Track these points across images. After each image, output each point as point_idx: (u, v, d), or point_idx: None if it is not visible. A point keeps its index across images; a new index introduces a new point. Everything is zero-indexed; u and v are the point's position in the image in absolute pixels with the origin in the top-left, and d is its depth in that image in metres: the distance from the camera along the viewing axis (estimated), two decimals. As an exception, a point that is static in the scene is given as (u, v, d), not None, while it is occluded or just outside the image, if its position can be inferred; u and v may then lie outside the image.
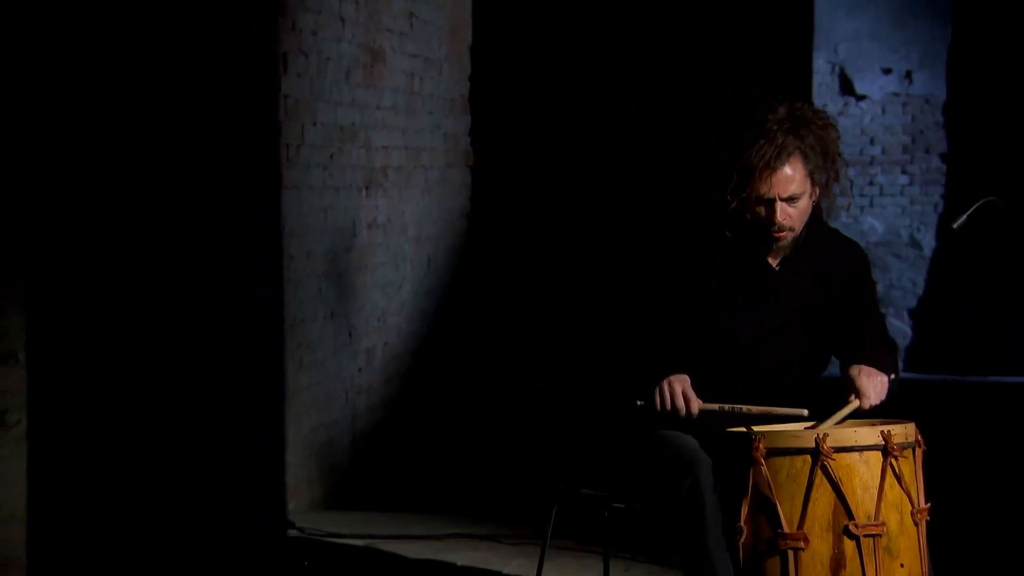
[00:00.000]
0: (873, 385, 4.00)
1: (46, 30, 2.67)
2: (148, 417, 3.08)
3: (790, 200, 3.99)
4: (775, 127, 3.97)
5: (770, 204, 3.98)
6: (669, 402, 3.95)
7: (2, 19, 4.72)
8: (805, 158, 3.99)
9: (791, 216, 4.01)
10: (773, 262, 4.11)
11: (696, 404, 3.95)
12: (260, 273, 2.66)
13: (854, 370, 4.02)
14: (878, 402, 4.01)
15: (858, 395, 4.00)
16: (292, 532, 6.00)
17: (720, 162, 3.97)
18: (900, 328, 11.99)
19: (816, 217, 4.11)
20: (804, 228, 4.08)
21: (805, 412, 3.97)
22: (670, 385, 3.96)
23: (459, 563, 5.55)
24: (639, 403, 4.00)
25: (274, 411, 2.76)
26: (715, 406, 3.97)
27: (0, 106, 5.17)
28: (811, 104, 4.11)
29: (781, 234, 4.02)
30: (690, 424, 3.99)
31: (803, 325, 4.11)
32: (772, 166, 3.95)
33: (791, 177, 3.98)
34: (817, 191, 4.05)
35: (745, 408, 3.96)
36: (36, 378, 2.73)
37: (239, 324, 2.80)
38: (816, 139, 4.01)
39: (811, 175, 4.01)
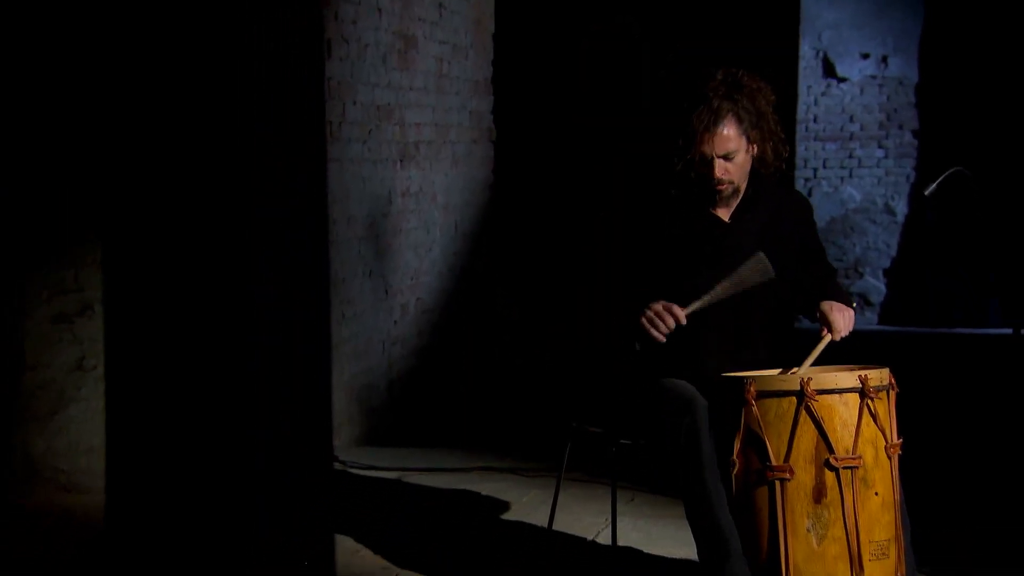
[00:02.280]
0: (844, 319, 4.06)
1: (111, 16, 2.67)
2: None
3: (726, 157, 4.04)
4: (711, 93, 4.03)
5: (710, 162, 4.03)
6: (659, 323, 3.95)
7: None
8: (739, 119, 4.04)
9: (729, 171, 4.06)
10: (724, 216, 4.14)
11: (680, 311, 3.95)
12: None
13: (825, 306, 4.07)
14: (847, 333, 4.06)
15: (830, 329, 4.03)
16: (336, 466, 6.05)
17: (680, 128, 4.04)
18: (875, 285, 11.98)
19: (758, 171, 4.16)
20: (748, 182, 4.14)
21: (762, 254, 3.98)
22: (651, 309, 3.96)
23: (482, 492, 5.56)
24: (637, 347, 4.01)
25: (321, 361, 2.76)
26: (696, 305, 3.98)
27: (77, 85, 5.19)
28: (749, 71, 4.14)
29: (721, 187, 4.07)
30: (688, 373, 4.01)
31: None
32: (710, 129, 4.01)
33: (727, 136, 4.03)
34: (754, 147, 4.10)
35: (720, 289, 3.97)
36: (111, 328, 2.75)
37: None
38: (749, 101, 4.07)
39: (746, 134, 4.06)
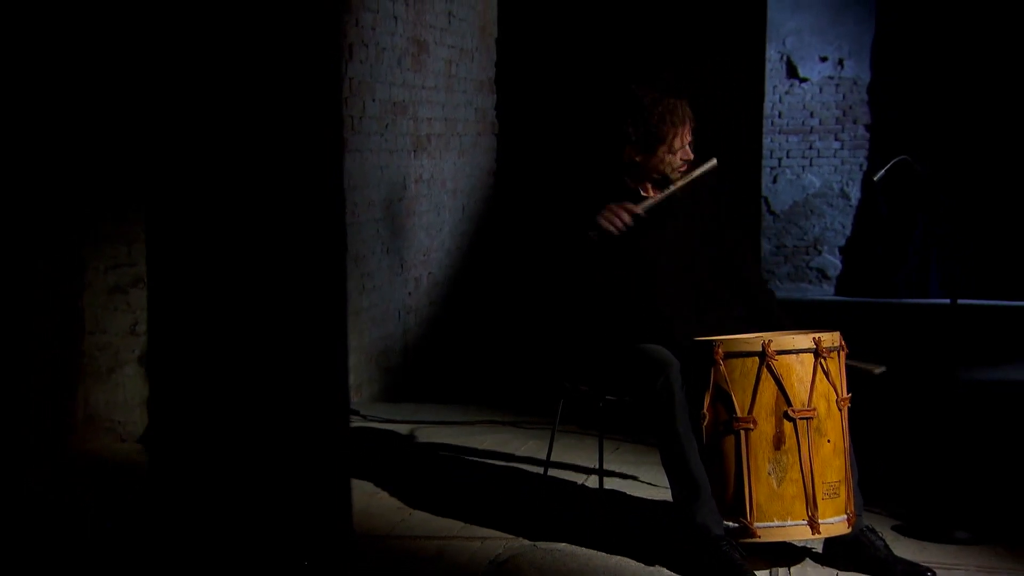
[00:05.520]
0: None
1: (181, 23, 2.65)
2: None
3: (690, 142, 4.13)
4: (672, 99, 4.10)
5: (684, 148, 4.11)
6: (615, 218, 3.99)
7: None
8: (692, 114, 4.13)
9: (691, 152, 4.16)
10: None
11: (636, 207, 4.00)
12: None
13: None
14: None
15: None
16: (356, 420, 6.06)
17: (639, 136, 4.07)
18: (832, 261, 11.98)
19: None
20: None
21: (715, 160, 4.08)
22: (607, 208, 4.01)
23: (486, 443, 5.55)
24: (592, 235, 4.02)
25: (339, 326, 2.74)
26: (650, 202, 4.03)
27: (136, 78, 5.18)
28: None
29: (685, 167, 4.12)
30: (662, 339, 4.01)
31: (696, 236, 4.18)
32: (686, 123, 4.10)
33: (692, 127, 4.13)
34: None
35: (672, 187, 4.05)
36: (155, 298, 2.74)
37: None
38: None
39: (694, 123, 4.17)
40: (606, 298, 4.08)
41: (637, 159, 4.12)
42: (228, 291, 2.59)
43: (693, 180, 4.08)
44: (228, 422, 2.60)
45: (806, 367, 3.76)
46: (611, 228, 3.99)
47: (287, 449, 2.63)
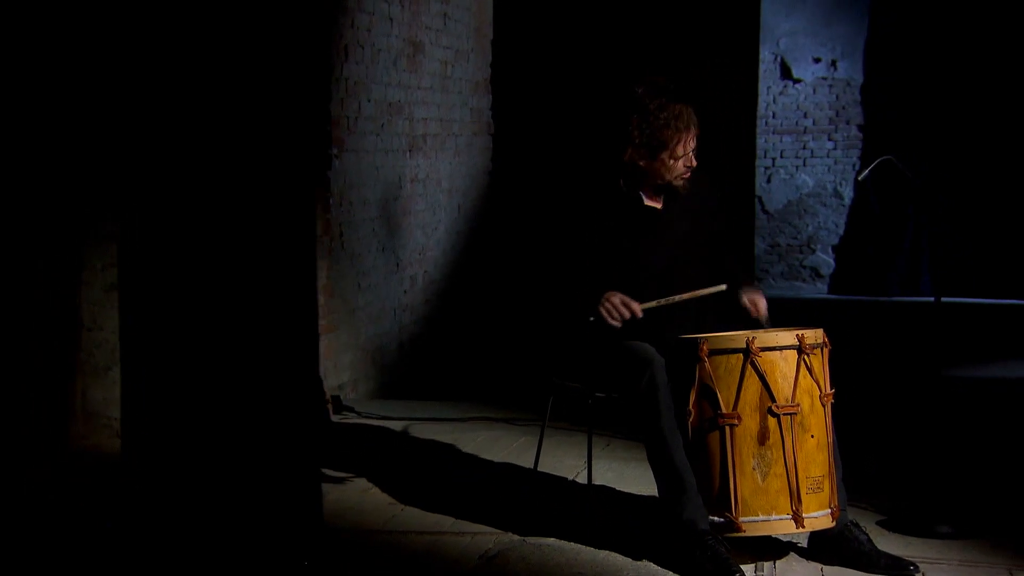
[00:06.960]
0: (763, 303, 4.11)
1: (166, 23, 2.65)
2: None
3: (694, 149, 4.09)
4: (680, 105, 4.04)
5: (687, 155, 4.07)
6: (616, 312, 3.97)
7: None
8: (697, 120, 4.09)
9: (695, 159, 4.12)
10: (657, 205, 4.15)
11: (637, 307, 3.98)
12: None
13: (746, 296, 4.11)
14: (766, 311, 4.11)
15: (756, 311, 4.09)
16: (351, 416, 6.06)
17: (643, 139, 4.03)
18: (825, 260, 11.97)
19: None
20: None
21: (724, 287, 4.02)
22: (609, 299, 3.98)
23: (479, 439, 5.56)
24: (592, 319, 4.01)
25: (310, 322, 2.73)
26: (653, 303, 4.00)
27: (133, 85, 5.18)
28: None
29: (688, 174, 4.09)
30: (648, 333, 4.01)
31: (696, 248, 4.16)
32: (691, 128, 4.05)
33: (696, 133, 4.08)
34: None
35: (676, 297, 4.00)
36: (126, 301, 2.75)
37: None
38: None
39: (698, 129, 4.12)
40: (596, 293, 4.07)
41: (640, 163, 4.09)
42: (202, 289, 2.59)
43: (697, 296, 4.02)
44: (199, 420, 2.60)
45: (790, 363, 3.77)
46: (610, 320, 3.97)
47: (258, 446, 2.63)
